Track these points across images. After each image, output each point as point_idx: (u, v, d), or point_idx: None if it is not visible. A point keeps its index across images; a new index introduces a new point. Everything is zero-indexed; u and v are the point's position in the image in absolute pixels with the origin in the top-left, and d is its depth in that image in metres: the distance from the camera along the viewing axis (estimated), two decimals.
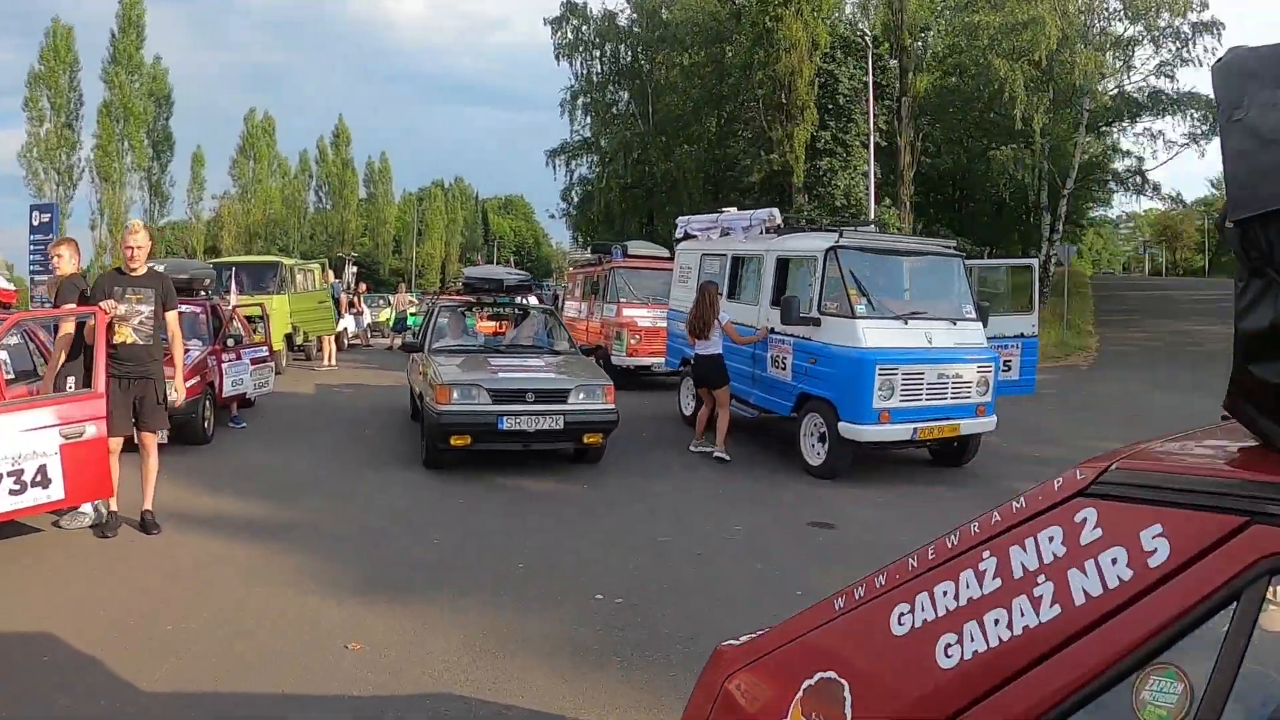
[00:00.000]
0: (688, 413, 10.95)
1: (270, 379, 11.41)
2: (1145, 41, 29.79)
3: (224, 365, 9.72)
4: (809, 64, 27.53)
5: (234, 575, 5.22)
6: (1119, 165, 35.97)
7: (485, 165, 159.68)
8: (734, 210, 10.81)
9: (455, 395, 7.35)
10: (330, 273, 24.55)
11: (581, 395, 7.67)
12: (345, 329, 22.19)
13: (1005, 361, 9.04)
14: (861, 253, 8.34)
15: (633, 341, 13.99)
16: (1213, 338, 24.25)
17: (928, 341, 7.98)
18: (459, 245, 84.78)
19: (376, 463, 8.41)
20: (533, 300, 22.41)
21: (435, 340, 8.99)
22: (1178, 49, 29.23)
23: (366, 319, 26.14)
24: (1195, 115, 29.76)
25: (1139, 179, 35.34)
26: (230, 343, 10.38)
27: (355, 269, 35.33)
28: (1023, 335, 9.18)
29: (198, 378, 8.79)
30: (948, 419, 8.05)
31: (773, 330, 8.56)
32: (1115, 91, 30.73)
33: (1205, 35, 28.69)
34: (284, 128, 75.17)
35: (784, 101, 27.49)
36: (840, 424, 7.79)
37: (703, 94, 33.75)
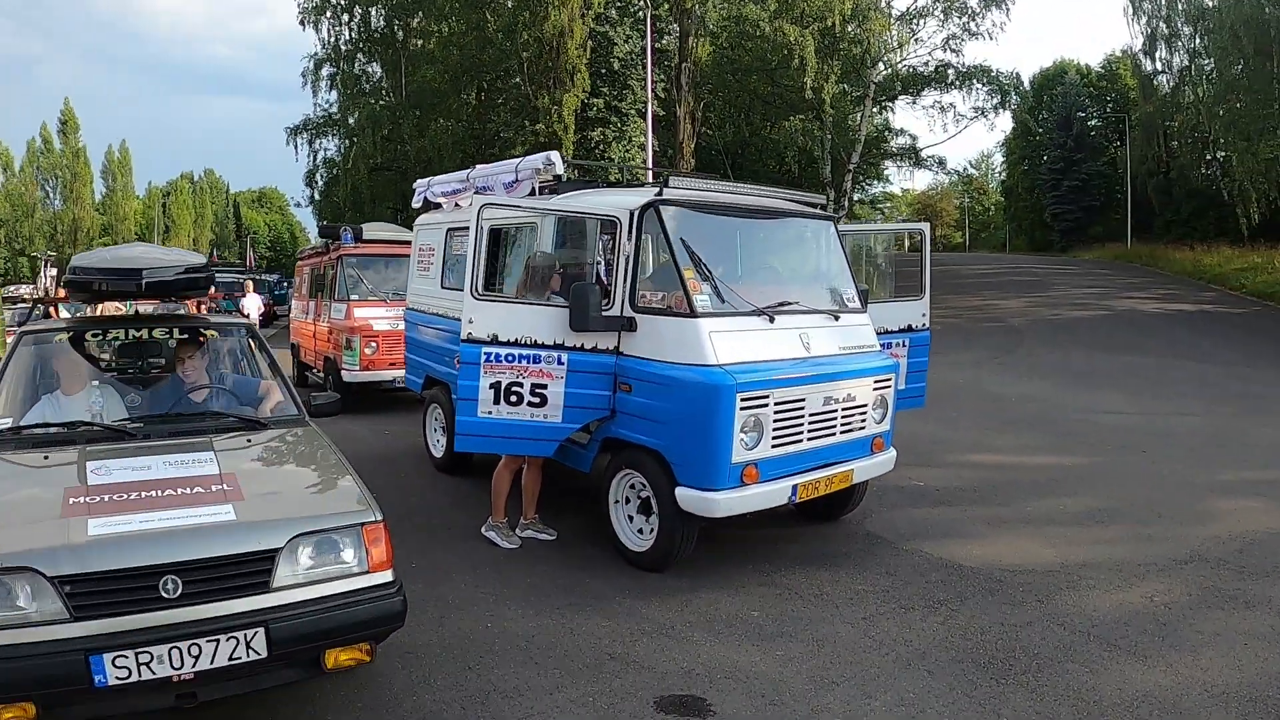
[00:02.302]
0: (438, 453, 7.58)
1: None
2: (935, 13, 29.17)
3: None
4: (580, 24, 24.47)
5: None
6: (897, 142, 35.79)
7: (240, 157, 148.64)
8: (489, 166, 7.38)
9: None
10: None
11: (307, 558, 3.13)
12: None
13: None
14: (699, 213, 5.23)
15: (367, 351, 10.32)
16: (1010, 312, 23.83)
17: (805, 348, 5.01)
18: (209, 241, 78.40)
19: None
20: (252, 304, 18.68)
21: None
22: (965, 23, 28.83)
23: None
24: (983, 89, 29.56)
25: (913, 156, 35.31)
26: None
27: (55, 271, 28.91)
28: (911, 329, 6.48)
29: None
30: (838, 464, 5.16)
31: (546, 345, 5.05)
32: (902, 64, 30.00)
33: (993, 9, 28.49)
34: (11, 118, 65.20)
35: (551, 65, 24.29)
36: (679, 491, 4.68)
37: (462, 64, 29.94)
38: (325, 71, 34.98)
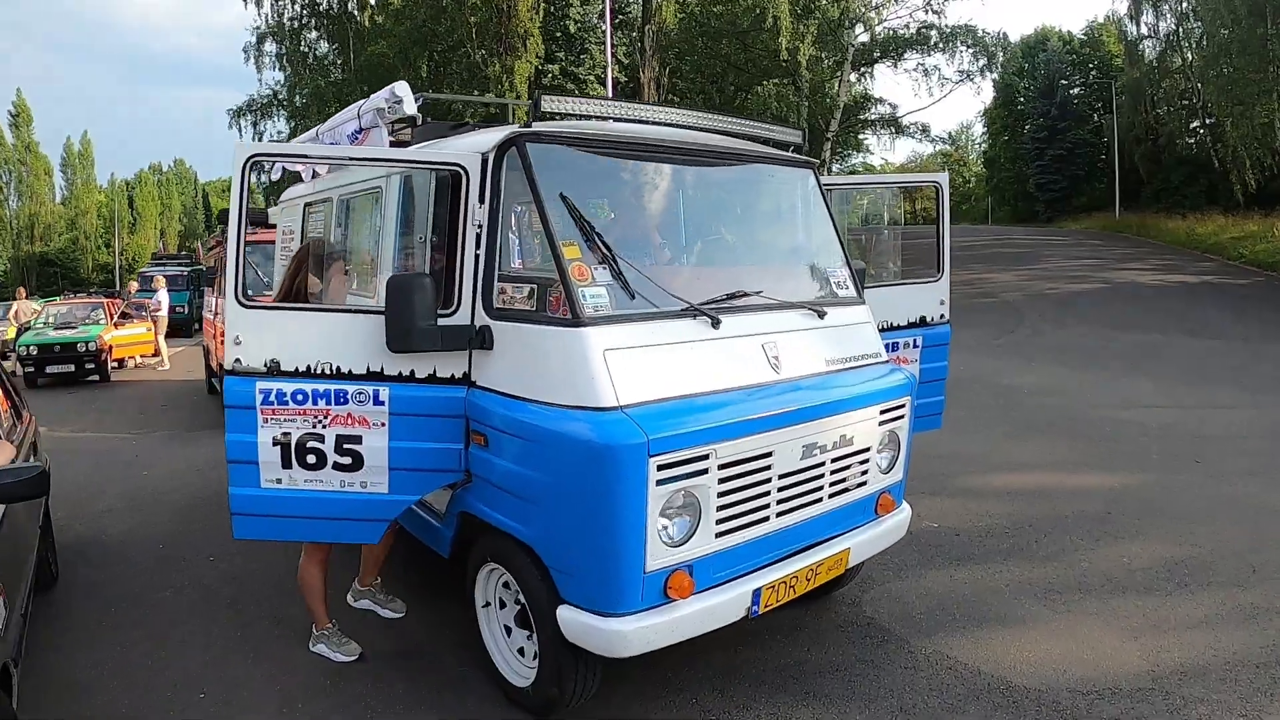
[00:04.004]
0: None
1: None
2: None
3: None
4: None
5: None
6: (879, 110, 34.03)
7: (210, 147, 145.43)
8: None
9: None
10: None
11: None
12: None
13: None
14: (593, 154, 3.42)
15: None
16: (1004, 286, 22.23)
17: (771, 367, 3.28)
18: (177, 233, 78.14)
19: None
20: (164, 301, 16.37)
21: None
22: None
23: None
24: (967, 52, 27.78)
25: (894, 124, 33.61)
26: None
27: None
28: (925, 322, 4.73)
29: None
30: (825, 543, 3.43)
31: (356, 374, 3.29)
32: (882, 26, 28.16)
33: None
34: None
35: (502, 30, 22.30)
36: (561, 613, 2.95)
37: (412, 35, 27.85)
38: (269, 49, 32.88)
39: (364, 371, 3.27)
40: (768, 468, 3.11)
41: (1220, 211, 33.06)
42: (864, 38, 28.43)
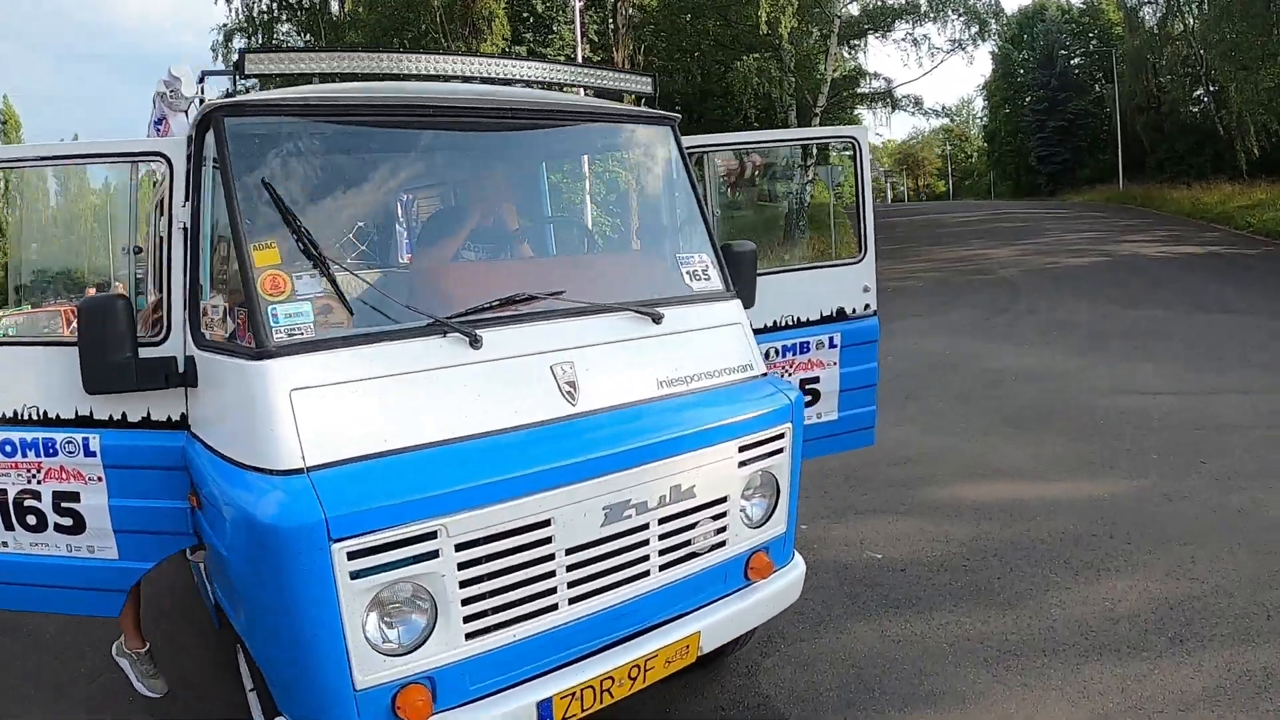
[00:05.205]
0: None
1: None
2: None
3: None
4: None
5: None
6: (872, 86, 32.86)
7: None
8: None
9: None
10: None
11: None
12: None
13: (806, 385, 3.62)
14: (324, 125, 2.56)
15: None
16: (1000, 261, 21.24)
17: (566, 396, 2.35)
18: None
19: None
20: None
21: None
22: None
23: None
24: (958, 20, 26.57)
25: (888, 99, 32.46)
26: None
27: None
28: (845, 314, 3.67)
29: None
30: (658, 629, 2.49)
31: (64, 419, 2.56)
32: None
33: None
34: None
35: (466, 12, 21.30)
36: None
37: (382, 24, 26.92)
38: (238, 43, 31.97)
39: (73, 416, 2.59)
40: (546, 540, 2.23)
41: (1226, 180, 32.06)
42: (853, 8, 27.30)
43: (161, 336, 2.55)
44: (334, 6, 31.73)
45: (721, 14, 26.13)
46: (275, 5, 32.37)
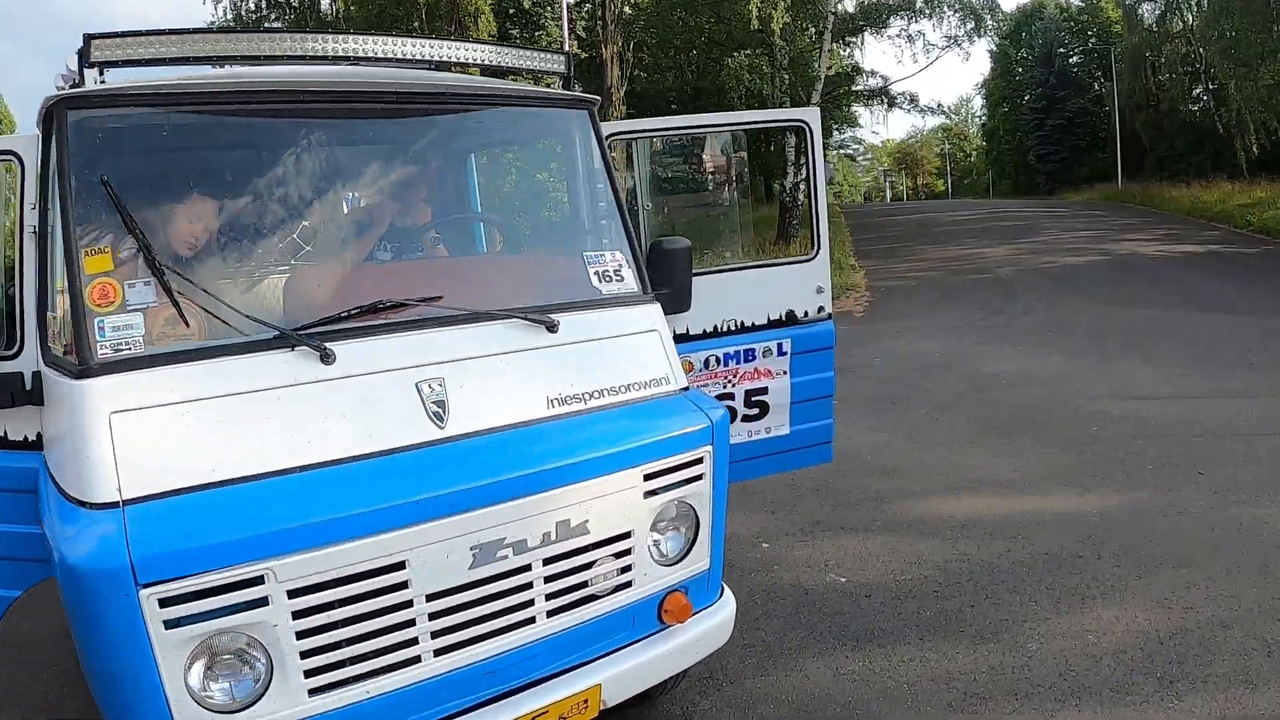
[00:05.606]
0: None
1: None
2: None
3: None
4: None
5: None
6: (868, 84, 32.58)
7: None
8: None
9: None
10: None
11: None
12: None
13: (753, 396, 3.23)
14: (183, 117, 2.24)
15: None
16: (996, 261, 20.86)
17: (433, 418, 2.02)
18: None
19: None
20: None
21: None
22: None
23: None
24: (954, 16, 26.21)
25: (885, 97, 32.18)
26: None
27: None
28: (796, 318, 3.26)
29: None
30: (549, 681, 2.12)
31: None
32: None
33: None
34: None
35: (454, 6, 20.97)
36: None
37: (368, 21, 26.69)
38: None
39: None
40: (401, 585, 1.91)
41: (1226, 178, 31.76)
42: (847, 3, 26.95)
43: (14, 351, 2.28)
44: (323, 4, 31.51)
45: (713, 10, 25.75)
46: (264, 4, 32.11)
